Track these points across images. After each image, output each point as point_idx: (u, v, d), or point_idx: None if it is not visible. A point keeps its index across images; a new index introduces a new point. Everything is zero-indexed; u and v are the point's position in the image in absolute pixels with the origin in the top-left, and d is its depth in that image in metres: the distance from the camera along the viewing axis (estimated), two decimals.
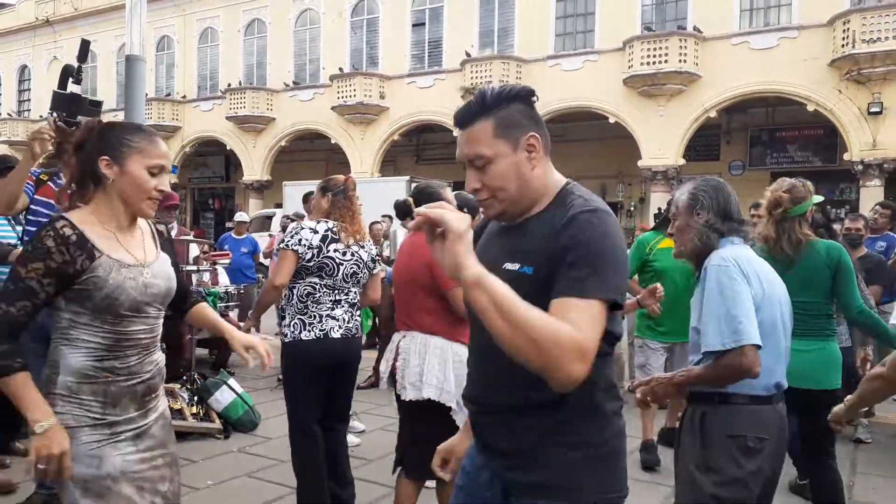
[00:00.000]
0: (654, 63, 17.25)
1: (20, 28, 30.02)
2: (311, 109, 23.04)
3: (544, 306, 1.36)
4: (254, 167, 24.27)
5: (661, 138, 17.73)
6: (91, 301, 1.84)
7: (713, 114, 17.44)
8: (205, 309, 2.27)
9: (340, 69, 22.25)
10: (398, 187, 14.05)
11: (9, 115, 29.75)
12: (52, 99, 2.83)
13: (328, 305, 3.33)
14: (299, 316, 3.32)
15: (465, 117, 1.54)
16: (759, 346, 2.09)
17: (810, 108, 16.42)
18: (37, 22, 28.73)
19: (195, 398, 5.12)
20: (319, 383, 3.36)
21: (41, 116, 29.23)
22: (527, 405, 1.53)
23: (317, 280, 3.31)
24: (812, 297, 3.21)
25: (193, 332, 5.84)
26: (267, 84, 24.19)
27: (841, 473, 3.54)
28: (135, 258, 1.93)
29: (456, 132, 1.61)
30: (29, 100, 30.83)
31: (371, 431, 5.17)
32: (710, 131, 18.78)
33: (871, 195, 15.12)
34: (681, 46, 17.13)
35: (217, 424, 5.02)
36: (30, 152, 2.82)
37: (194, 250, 6.63)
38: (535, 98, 1.58)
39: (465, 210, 3.16)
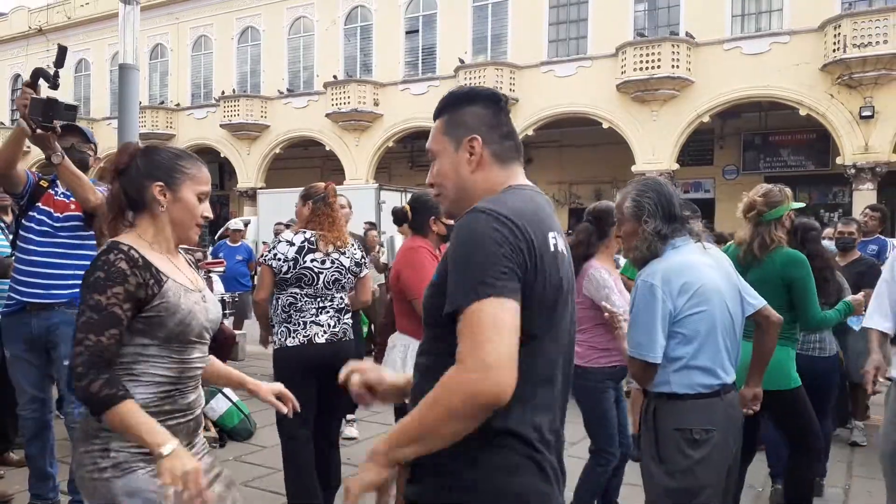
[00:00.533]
0: (647, 69, 17.33)
1: (13, 37, 29.98)
2: (305, 117, 23.06)
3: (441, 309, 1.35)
4: (248, 175, 24.25)
5: (654, 143, 17.80)
6: (164, 328, 1.76)
7: (706, 119, 17.52)
8: (213, 362, 2.12)
9: (334, 76, 22.28)
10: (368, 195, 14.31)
11: (2, 123, 29.66)
12: (28, 104, 2.80)
13: (312, 312, 3.38)
14: (284, 324, 3.40)
15: (434, 113, 1.63)
16: (656, 363, 2.32)
17: (803, 112, 16.52)
18: (30, 31, 28.69)
19: None
20: (307, 388, 3.35)
21: None
22: None
23: (297, 290, 3.37)
24: (770, 301, 3.22)
25: None
26: (261, 91, 24.21)
27: (838, 477, 3.59)
28: (192, 283, 1.90)
29: None
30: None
31: (367, 439, 5.16)
32: (704, 136, 18.86)
33: (863, 199, 15.19)
34: (673, 52, 17.22)
35: (213, 433, 5.01)
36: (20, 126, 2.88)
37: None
38: (501, 102, 1.58)
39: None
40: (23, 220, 3.31)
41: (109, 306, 1.69)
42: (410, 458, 1.36)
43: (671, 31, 17.84)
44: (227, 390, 5.27)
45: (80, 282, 1.79)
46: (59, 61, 2.95)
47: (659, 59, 17.20)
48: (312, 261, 3.36)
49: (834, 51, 15.59)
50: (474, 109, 1.55)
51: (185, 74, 26.19)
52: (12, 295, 3.26)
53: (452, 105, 1.57)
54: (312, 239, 3.39)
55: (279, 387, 2.13)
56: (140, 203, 1.84)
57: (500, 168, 1.54)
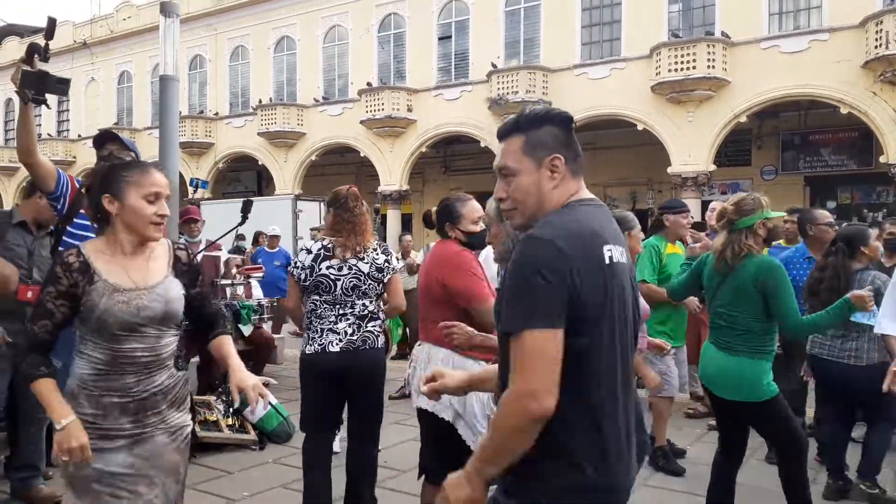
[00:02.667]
0: (681, 69, 17.14)
1: (59, 51, 30.85)
2: (340, 124, 23.31)
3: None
4: (285, 182, 24.59)
5: (690, 145, 17.58)
6: (89, 321, 2.10)
7: (743, 119, 17.25)
8: (222, 342, 2.35)
9: (369, 83, 22.48)
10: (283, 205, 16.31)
11: (48, 135, 30.57)
12: (21, 77, 2.89)
13: (331, 320, 3.39)
14: (307, 331, 3.46)
15: (502, 131, 1.70)
16: None
17: (844, 110, 16.15)
18: (74, 45, 29.53)
19: (231, 410, 5.21)
20: (323, 395, 3.44)
21: (79, 136, 30.05)
22: None
23: (317, 297, 3.41)
24: (739, 312, 3.28)
25: None
26: (297, 100, 24.54)
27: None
28: (133, 282, 2.14)
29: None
30: (68, 120, 31.66)
31: (403, 442, 5.20)
32: (741, 136, 18.57)
33: None
34: (709, 52, 17.00)
35: (252, 436, 5.10)
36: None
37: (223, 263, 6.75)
38: (573, 123, 1.69)
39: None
40: (68, 228, 3.38)
41: (45, 302, 2.10)
42: (496, 476, 1.55)
43: (706, 31, 17.61)
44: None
45: None
46: (49, 33, 3.04)
47: (694, 60, 16.99)
48: (329, 268, 3.36)
49: (876, 47, 15.22)
50: (551, 130, 1.65)
51: (223, 84, 26.69)
52: None
53: (531, 124, 1.65)
54: (329, 246, 3.40)
55: (255, 381, 2.22)
56: (103, 215, 2.15)
57: (575, 183, 1.68)
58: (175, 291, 2.20)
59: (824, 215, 5.19)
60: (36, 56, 2.93)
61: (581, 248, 1.50)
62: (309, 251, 3.42)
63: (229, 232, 6.00)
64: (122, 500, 2.13)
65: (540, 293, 1.46)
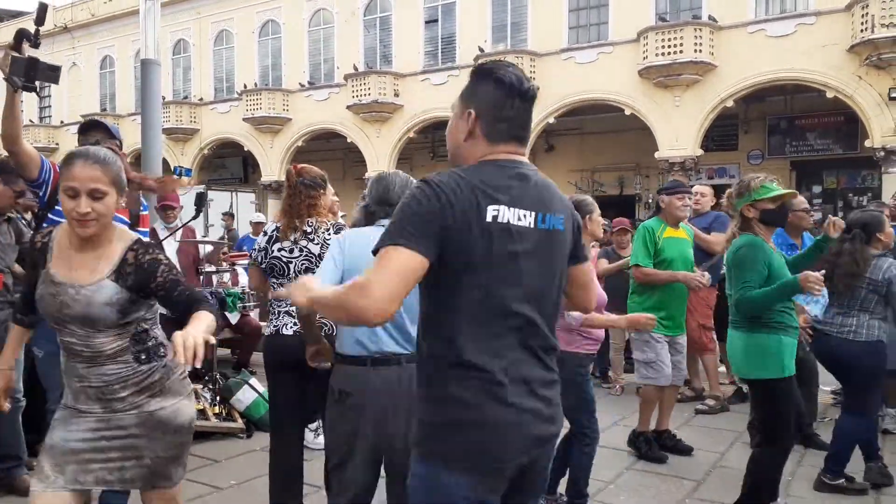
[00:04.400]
0: (669, 54, 17.12)
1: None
2: (326, 109, 23.14)
3: None
4: (271, 168, 24.43)
5: (677, 129, 17.60)
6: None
7: (730, 103, 17.27)
8: (194, 315, 2.12)
9: (355, 67, 22.31)
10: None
11: (30, 121, 30.17)
12: (10, 63, 2.81)
13: (287, 302, 3.25)
14: (269, 314, 3.43)
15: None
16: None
17: (829, 94, 16.21)
18: (55, 29, 29.08)
19: (217, 398, 5.19)
20: (283, 380, 3.31)
21: (62, 122, 29.70)
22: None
23: (274, 280, 3.31)
24: (730, 288, 3.40)
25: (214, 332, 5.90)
26: (282, 85, 24.32)
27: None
28: (67, 277, 2.11)
29: None
30: (49, 106, 31.25)
31: None
32: (728, 121, 18.60)
33: (893, 182, 14.91)
34: (696, 36, 16.98)
35: (240, 424, 5.08)
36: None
37: (203, 250, 6.67)
38: (516, 89, 1.75)
39: None
40: (49, 216, 3.33)
41: (24, 273, 2.31)
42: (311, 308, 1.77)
43: (693, 15, 17.58)
44: (253, 381, 5.35)
45: None
46: (40, 19, 2.97)
47: (681, 44, 16.97)
48: (280, 250, 3.25)
49: (862, 31, 15.26)
50: (488, 88, 1.75)
51: (207, 69, 26.40)
52: None
53: (478, 76, 1.79)
54: (279, 226, 3.30)
55: (191, 334, 1.93)
56: None
57: (487, 144, 1.74)
58: (103, 296, 2.09)
59: (800, 201, 5.09)
60: (26, 42, 2.86)
61: (459, 200, 1.60)
62: (265, 233, 3.36)
63: (184, 225, 5.96)
64: (62, 475, 2.16)
65: (408, 218, 1.59)
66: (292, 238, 3.24)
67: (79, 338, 2.13)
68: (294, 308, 3.25)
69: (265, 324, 7.84)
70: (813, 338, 4.21)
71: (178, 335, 1.86)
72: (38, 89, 2.93)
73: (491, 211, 1.62)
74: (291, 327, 3.22)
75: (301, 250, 3.24)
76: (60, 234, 2.18)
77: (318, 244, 3.23)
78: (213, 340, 1.97)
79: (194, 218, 5.86)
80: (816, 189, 18.47)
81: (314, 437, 4.53)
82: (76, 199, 2.02)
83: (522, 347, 1.68)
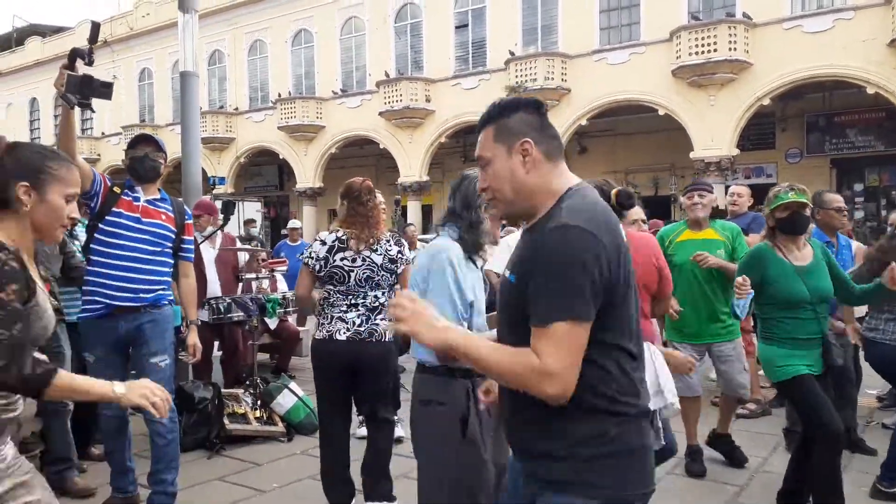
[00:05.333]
0: (702, 52, 16.92)
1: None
2: (359, 116, 23.35)
3: (524, 310, 1.57)
4: (306, 175, 24.71)
5: (712, 129, 17.36)
6: (31, 330, 1.75)
7: (766, 101, 16.99)
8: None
9: (386, 74, 22.48)
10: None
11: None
12: (66, 82, 2.88)
13: (342, 308, 3.45)
14: (319, 318, 3.54)
15: (479, 124, 1.75)
16: None
17: (870, 90, 15.84)
18: (96, 45, 29.84)
19: (258, 402, 5.27)
20: (332, 381, 3.51)
21: (103, 133, 30.43)
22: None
23: (331, 287, 3.47)
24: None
25: (254, 337, 6.00)
26: (316, 93, 24.62)
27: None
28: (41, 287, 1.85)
29: None
30: (91, 118, 32.01)
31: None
32: (765, 119, 18.30)
33: None
34: (730, 34, 16.74)
35: (280, 428, 5.15)
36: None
37: (242, 258, 6.77)
38: (543, 108, 1.73)
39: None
40: (100, 225, 3.44)
41: (11, 303, 1.68)
42: (454, 354, 1.62)
43: (727, 13, 17.36)
44: (293, 386, 5.42)
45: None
46: (93, 37, 3.05)
47: (715, 42, 16.75)
48: (342, 259, 3.40)
49: None
50: (522, 116, 1.69)
51: (242, 79, 26.84)
52: (98, 299, 3.38)
53: (500, 113, 1.69)
54: (343, 238, 3.43)
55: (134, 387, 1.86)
56: (4, 201, 1.80)
57: (551, 165, 1.68)
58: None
59: (833, 199, 4.92)
60: (79, 60, 2.95)
61: (607, 233, 1.54)
62: (323, 242, 3.45)
63: (214, 233, 6.04)
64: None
65: (580, 287, 1.50)
66: (356, 248, 3.41)
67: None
68: (348, 315, 3.43)
69: (303, 328, 7.96)
70: (866, 346, 4.17)
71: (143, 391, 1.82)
72: (92, 106, 3.00)
73: (623, 248, 1.59)
74: (345, 333, 3.41)
75: (364, 260, 3.43)
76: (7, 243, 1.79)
77: (380, 255, 3.45)
78: None
79: (222, 227, 5.95)
80: (858, 187, 18.05)
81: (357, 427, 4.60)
82: (71, 204, 1.93)
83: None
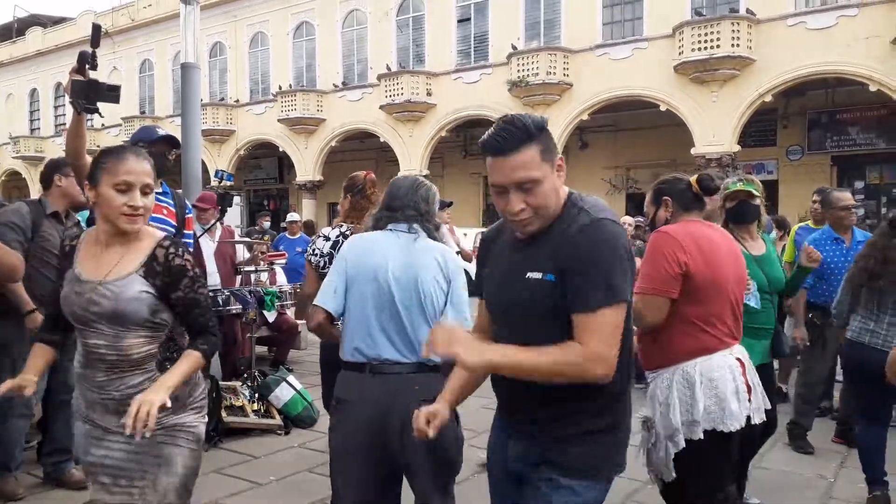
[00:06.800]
0: (705, 48, 16.86)
1: (81, 41, 31.16)
2: (359, 109, 23.30)
3: (564, 305, 1.68)
4: (306, 168, 24.68)
5: (714, 125, 17.33)
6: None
7: (769, 98, 16.95)
8: (185, 355, 2.09)
9: (388, 67, 22.42)
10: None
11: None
12: (71, 86, 2.88)
13: None
14: None
15: (510, 145, 1.67)
16: (326, 310, 2.51)
17: (873, 87, 15.80)
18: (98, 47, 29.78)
19: (256, 395, 5.27)
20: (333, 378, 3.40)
21: (102, 125, 30.37)
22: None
23: None
24: None
25: (252, 330, 6.00)
26: (316, 86, 24.55)
27: None
28: (95, 274, 2.04)
29: (489, 159, 1.71)
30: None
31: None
32: (766, 116, 18.25)
33: None
34: (733, 30, 16.68)
35: (278, 420, 5.16)
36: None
37: (241, 251, 6.75)
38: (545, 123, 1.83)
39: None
40: None
41: (56, 282, 2.14)
42: (495, 371, 1.78)
43: (731, 9, 17.29)
44: (290, 379, 5.43)
45: None
46: (96, 41, 3.00)
47: (718, 39, 16.69)
48: None
49: None
50: (549, 134, 1.76)
51: (243, 71, 26.78)
52: None
53: (540, 131, 1.70)
54: (348, 232, 3.31)
55: (150, 398, 1.90)
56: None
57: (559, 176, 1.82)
58: (132, 291, 2.01)
59: (840, 198, 4.91)
60: (86, 65, 2.94)
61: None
62: (327, 238, 3.34)
63: (212, 225, 6.03)
64: (104, 489, 2.12)
65: (625, 272, 1.69)
66: None
67: (107, 338, 2.03)
68: None
69: (302, 321, 7.95)
70: (850, 356, 3.92)
71: (136, 400, 1.87)
72: (99, 110, 2.98)
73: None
74: None
75: None
76: (91, 234, 2.14)
77: None
78: (169, 405, 1.92)
79: (219, 219, 5.94)
80: (859, 185, 18.02)
81: None
82: (129, 193, 1.99)
83: None
